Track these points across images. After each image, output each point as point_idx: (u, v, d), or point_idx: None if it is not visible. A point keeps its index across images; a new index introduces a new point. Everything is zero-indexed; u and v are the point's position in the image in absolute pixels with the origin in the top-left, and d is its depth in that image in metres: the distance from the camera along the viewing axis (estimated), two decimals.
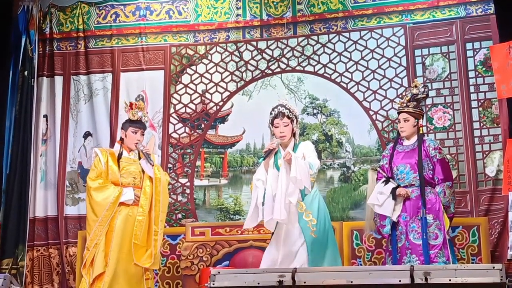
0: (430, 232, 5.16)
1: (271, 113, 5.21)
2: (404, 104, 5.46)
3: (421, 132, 5.42)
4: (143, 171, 5.76)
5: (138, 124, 5.83)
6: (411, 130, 5.44)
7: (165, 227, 6.93)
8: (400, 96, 5.75)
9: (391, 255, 5.34)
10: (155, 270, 6.17)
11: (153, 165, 5.69)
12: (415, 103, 5.44)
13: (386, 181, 5.37)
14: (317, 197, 5.13)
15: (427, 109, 6.69)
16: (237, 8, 7.47)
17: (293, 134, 5.21)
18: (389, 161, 5.47)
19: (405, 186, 5.33)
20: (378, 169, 5.56)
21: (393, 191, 5.29)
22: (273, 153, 4.99)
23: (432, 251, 5.12)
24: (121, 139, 5.88)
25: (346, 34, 7.20)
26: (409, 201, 5.29)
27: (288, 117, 5.15)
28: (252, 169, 7.16)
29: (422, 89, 5.45)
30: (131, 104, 5.92)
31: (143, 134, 5.87)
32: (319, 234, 4.97)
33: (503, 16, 6.13)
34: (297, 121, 5.25)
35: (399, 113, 5.52)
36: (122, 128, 5.92)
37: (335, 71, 7.16)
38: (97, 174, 5.74)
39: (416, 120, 5.43)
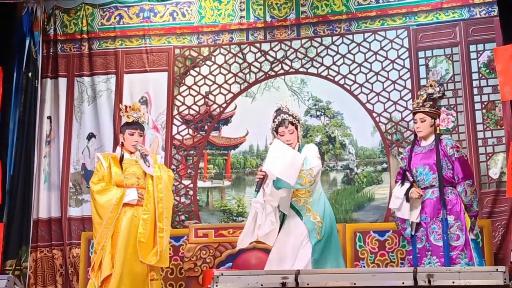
0: (451, 233, 5.10)
1: (274, 121, 5.16)
2: (420, 104, 5.37)
3: (438, 131, 5.34)
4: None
5: (134, 126, 5.83)
6: (428, 130, 5.37)
7: None
8: (416, 96, 5.69)
9: (411, 255, 5.32)
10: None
11: (149, 166, 5.68)
12: (431, 102, 5.35)
13: (402, 184, 5.36)
14: (323, 198, 5.13)
15: None
16: (241, 10, 7.48)
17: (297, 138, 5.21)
18: (408, 163, 5.41)
19: (425, 187, 5.27)
20: (400, 161, 5.55)
21: (408, 192, 5.27)
22: (265, 181, 4.92)
23: (453, 252, 5.06)
24: (122, 143, 5.90)
25: (350, 36, 7.19)
26: (429, 202, 5.24)
27: (292, 124, 5.11)
28: (255, 170, 7.15)
29: (438, 88, 5.38)
30: (126, 107, 5.94)
31: (141, 135, 5.86)
32: (324, 236, 4.97)
33: (507, 18, 6.14)
34: (300, 124, 5.24)
35: (415, 113, 5.44)
36: (120, 132, 5.95)
37: (338, 73, 7.16)
38: (99, 177, 5.76)
39: (433, 120, 5.35)
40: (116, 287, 5.46)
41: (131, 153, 5.84)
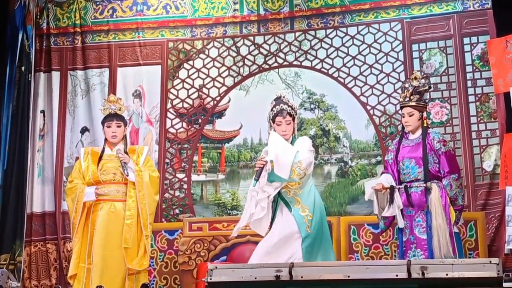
0: None
1: (272, 110, 5.19)
2: (407, 98, 5.34)
3: (425, 125, 5.33)
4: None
5: (110, 117, 5.77)
6: (416, 124, 5.33)
7: (162, 222, 6.98)
8: (400, 88, 5.66)
9: (398, 249, 5.34)
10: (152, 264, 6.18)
11: (127, 174, 5.59)
12: (418, 96, 5.32)
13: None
14: (313, 192, 5.13)
15: None
16: (234, 3, 7.46)
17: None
18: (395, 156, 5.39)
19: (411, 181, 5.25)
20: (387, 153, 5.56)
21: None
22: (265, 169, 4.94)
23: None
24: (105, 138, 5.85)
25: (344, 29, 7.18)
26: (414, 195, 5.22)
27: (290, 115, 5.15)
28: (250, 164, 7.17)
29: (423, 81, 5.33)
30: (105, 100, 5.95)
31: (119, 126, 5.77)
32: (314, 229, 4.98)
33: (500, 10, 6.14)
34: (297, 116, 5.27)
35: (402, 107, 5.40)
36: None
37: (332, 66, 7.15)
38: (75, 175, 5.77)
39: (420, 114, 5.33)
40: (97, 282, 5.42)
41: (112, 148, 5.79)
